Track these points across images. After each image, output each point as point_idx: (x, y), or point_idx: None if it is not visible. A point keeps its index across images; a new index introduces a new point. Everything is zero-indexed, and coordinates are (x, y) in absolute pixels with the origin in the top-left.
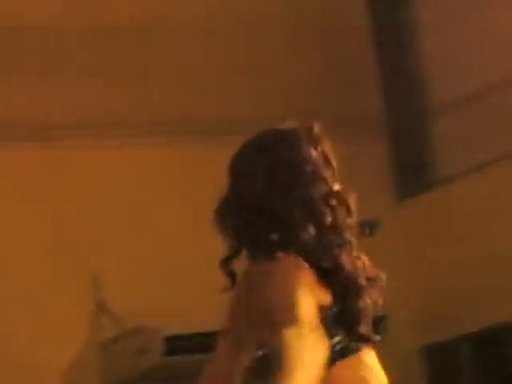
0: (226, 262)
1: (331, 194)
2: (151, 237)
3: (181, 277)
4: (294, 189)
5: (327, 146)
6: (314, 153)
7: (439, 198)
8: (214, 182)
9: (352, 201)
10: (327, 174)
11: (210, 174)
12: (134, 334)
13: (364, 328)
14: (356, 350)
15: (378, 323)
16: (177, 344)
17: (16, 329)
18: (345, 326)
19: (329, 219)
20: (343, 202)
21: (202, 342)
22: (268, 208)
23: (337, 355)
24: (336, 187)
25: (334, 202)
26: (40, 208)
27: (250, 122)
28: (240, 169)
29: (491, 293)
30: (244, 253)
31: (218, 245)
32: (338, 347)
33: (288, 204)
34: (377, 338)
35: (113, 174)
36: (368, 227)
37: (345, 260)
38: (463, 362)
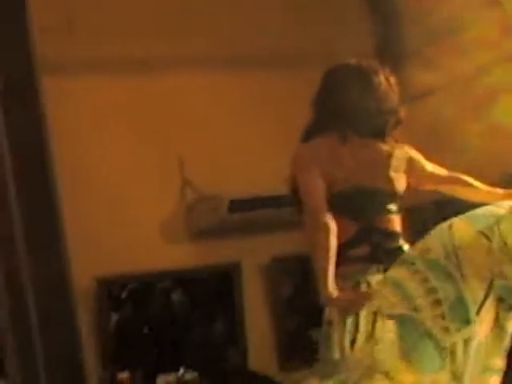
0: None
1: None
2: (227, 128)
3: (243, 156)
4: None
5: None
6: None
7: None
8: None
9: None
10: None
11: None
12: (208, 198)
13: None
14: None
15: None
16: (238, 205)
17: (129, 193)
18: None
19: None
20: None
21: (257, 204)
22: None
23: None
24: None
25: None
26: (141, 115)
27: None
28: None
29: None
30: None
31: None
32: None
33: None
34: None
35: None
36: None
37: None
38: None
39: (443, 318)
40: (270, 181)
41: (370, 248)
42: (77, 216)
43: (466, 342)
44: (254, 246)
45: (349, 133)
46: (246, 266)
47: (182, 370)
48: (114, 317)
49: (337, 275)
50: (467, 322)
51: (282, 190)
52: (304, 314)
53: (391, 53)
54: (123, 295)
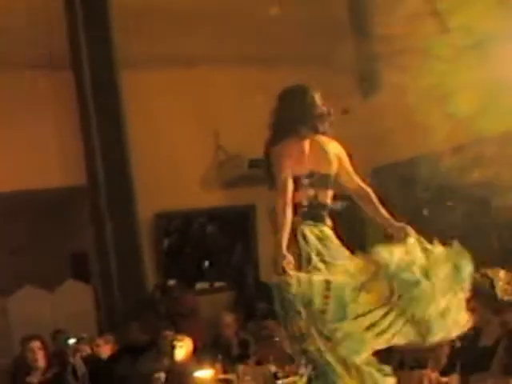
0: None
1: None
2: (249, 109)
3: (260, 128)
4: None
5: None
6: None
7: None
8: None
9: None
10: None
11: None
12: (234, 158)
13: None
14: None
15: None
16: (255, 163)
17: (179, 153)
18: None
19: None
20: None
21: None
22: None
23: None
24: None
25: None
26: (189, 98)
27: None
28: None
29: None
30: None
31: None
32: None
33: None
34: None
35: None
36: None
37: None
38: None
39: None
40: None
41: (307, 209)
42: (143, 168)
43: None
44: (265, 194)
45: (305, 133)
46: (259, 208)
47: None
48: (166, 242)
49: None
50: None
51: None
52: None
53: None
54: (172, 227)
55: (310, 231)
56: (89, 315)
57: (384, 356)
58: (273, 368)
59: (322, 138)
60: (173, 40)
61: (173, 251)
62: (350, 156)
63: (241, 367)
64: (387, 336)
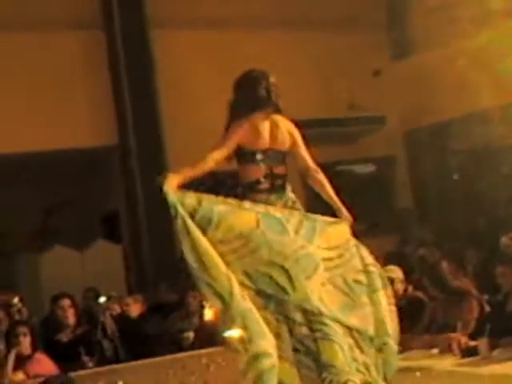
0: None
1: None
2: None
3: (288, 89)
4: None
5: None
6: None
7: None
8: None
9: None
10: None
11: None
12: None
13: None
14: None
15: None
16: None
17: (211, 111)
18: None
19: None
20: None
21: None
22: None
23: None
24: None
25: None
26: (221, 59)
27: None
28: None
29: None
30: None
31: None
32: None
33: None
34: None
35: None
36: None
37: None
38: None
39: None
40: (309, 108)
41: (269, 184)
42: (174, 129)
43: None
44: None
45: (267, 112)
46: (289, 169)
47: None
48: None
49: (251, 200)
50: None
51: (314, 115)
52: (326, 206)
53: None
54: (203, 187)
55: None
56: (118, 275)
57: (412, 320)
58: None
59: (278, 117)
60: (205, 1)
61: None
62: (303, 136)
63: None
64: None
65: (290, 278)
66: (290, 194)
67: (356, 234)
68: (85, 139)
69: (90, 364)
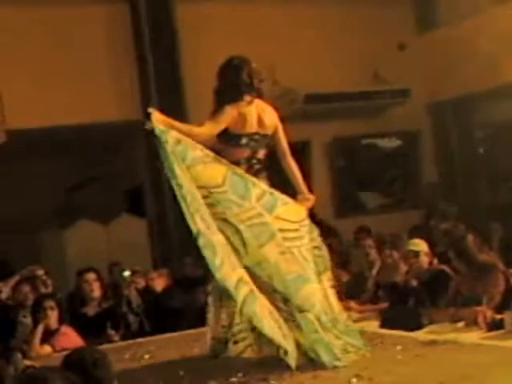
0: None
1: None
2: (306, 45)
3: (316, 64)
4: None
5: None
6: None
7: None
8: None
9: None
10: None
11: None
12: (290, 93)
13: None
14: None
15: None
16: (311, 98)
17: None
18: None
19: None
20: None
21: (324, 98)
22: None
23: None
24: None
25: None
26: (245, 33)
27: None
28: None
29: None
30: None
31: None
32: None
33: None
34: None
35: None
36: None
37: None
38: None
39: None
40: (333, 82)
41: (247, 166)
42: (198, 103)
43: None
44: (321, 129)
45: (251, 97)
46: (315, 143)
47: None
48: None
49: None
50: None
51: (339, 88)
52: (352, 179)
53: None
54: None
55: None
56: (143, 249)
57: (437, 293)
58: None
59: (262, 102)
60: None
61: None
62: (282, 120)
63: None
64: None
65: (243, 241)
66: (263, 182)
67: (382, 208)
68: (109, 114)
69: (116, 338)
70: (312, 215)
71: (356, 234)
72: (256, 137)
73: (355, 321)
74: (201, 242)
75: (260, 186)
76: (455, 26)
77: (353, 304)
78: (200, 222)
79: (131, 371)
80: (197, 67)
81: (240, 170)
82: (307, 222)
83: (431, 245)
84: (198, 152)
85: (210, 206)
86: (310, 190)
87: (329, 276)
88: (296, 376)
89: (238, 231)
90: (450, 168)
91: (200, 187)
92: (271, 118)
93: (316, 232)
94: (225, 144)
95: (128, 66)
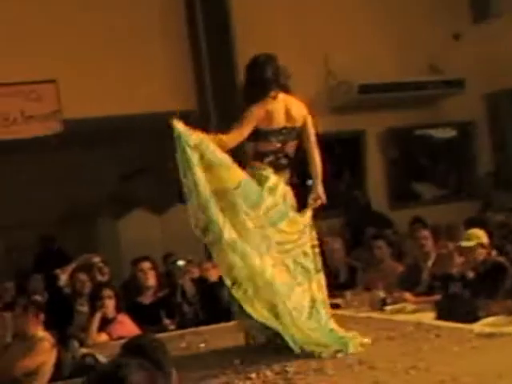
0: None
1: None
2: (361, 33)
3: (370, 53)
4: None
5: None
6: None
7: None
8: None
9: None
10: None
11: None
12: (344, 83)
13: None
14: None
15: None
16: (365, 89)
17: None
18: None
19: None
20: None
21: (378, 88)
22: None
23: None
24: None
25: None
26: (300, 20)
27: None
28: None
29: None
30: None
31: None
32: None
33: None
34: None
35: None
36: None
37: None
38: None
39: None
40: (388, 72)
41: (273, 159)
42: None
43: None
44: (375, 119)
45: (277, 93)
46: (369, 133)
47: None
48: None
49: (252, 167)
50: None
51: (393, 79)
52: (406, 170)
53: None
54: None
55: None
56: (197, 239)
57: (494, 285)
58: (381, 294)
59: (287, 96)
60: None
61: None
62: (312, 116)
63: (348, 293)
64: None
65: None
66: (283, 178)
67: (437, 199)
68: (163, 104)
69: (171, 327)
70: (315, 216)
71: (411, 225)
72: (284, 131)
73: (410, 312)
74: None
75: (276, 195)
76: (511, 14)
77: (408, 295)
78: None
79: (187, 360)
80: (251, 54)
81: (258, 177)
82: (309, 224)
83: (489, 236)
84: (217, 153)
85: (221, 209)
86: (363, 181)
87: (322, 276)
88: (353, 367)
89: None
90: (506, 158)
91: (214, 190)
92: (299, 111)
93: (314, 232)
94: (254, 141)
95: (182, 55)
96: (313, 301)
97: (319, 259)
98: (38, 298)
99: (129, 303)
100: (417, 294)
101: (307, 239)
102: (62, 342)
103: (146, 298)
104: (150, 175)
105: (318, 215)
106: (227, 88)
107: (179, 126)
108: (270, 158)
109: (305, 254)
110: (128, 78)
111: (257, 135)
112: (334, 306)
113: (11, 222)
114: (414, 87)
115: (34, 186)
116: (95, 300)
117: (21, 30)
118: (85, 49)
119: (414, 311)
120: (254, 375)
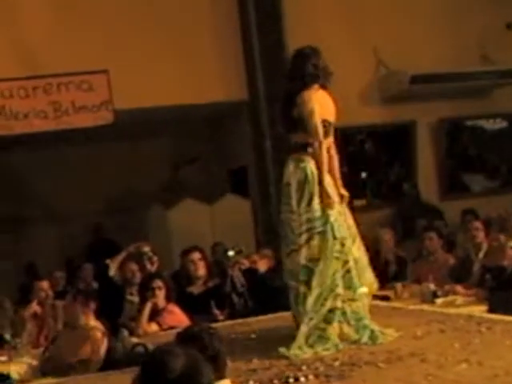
0: None
1: None
2: (410, 22)
3: (421, 42)
4: None
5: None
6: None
7: None
8: None
9: None
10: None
11: None
12: (396, 73)
13: None
14: None
15: None
16: (417, 79)
17: (338, 67)
18: None
19: None
20: None
21: (430, 79)
22: None
23: None
24: None
25: None
26: (350, 14)
27: None
28: None
29: None
30: None
31: None
32: None
33: None
34: None
35: None
36: None
37: None
38: None
39: None
40: (439, 62)
41: (312, 149)
42: None
43: None
44: (426, 110)
45: (324, 85)
46: (420, 124)
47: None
48: None
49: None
50: None
51: (445, 69)
52: (457, 161)
53: None
54: None
55: None
56: (247, 229)
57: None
58: (432, 286)
59: (325, 93)
60: None
61: None
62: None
63: (398, 284)
64: None
65: None
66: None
67: (488, 190)
68: (215, 94)
69: (221, 317)
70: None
71: (463, 216)
72: (326, 124)
73: (461, 305)
74: None
75: None
76: None
77: (459, 288)
78: None
79: (237, 351)
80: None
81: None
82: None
83: None
84: None
85: None
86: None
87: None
88: (405, 359)
89: None
90: None
91: None
92: (334, 109)
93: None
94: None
95: (233, 45)
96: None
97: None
98: (89, 287)
99: (179, 293)
100: (468, 287)
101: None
102: (113, 331)
103: (196, 288)
104: (200, 165)
105: (368, 206)
106: (278, 78)
107: None
108: (310, 149)
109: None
110: (179, 68)
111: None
112: (384, 298)
113: (63, 212)
114: (466, 78)
115: (86, 176)
116: (145, 290)
117: (73, 19)
118: (136, 39)
119: (465, 304)
120: (304, 367)
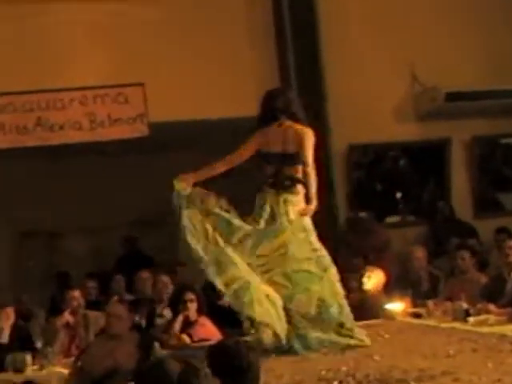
0: None
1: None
2: (447, 37)
3: (457, 59)
4: None
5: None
6: None
7: None
8: None
9: None
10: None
11: None
12: (431, 90)
13: None
14: None
15: None
16: (452, 96)
17: (371, 85)
18: None
19: None
20: None
21: (466, 96)
22: None
23: None
24: None
25: None
26: (385, 26)
27: None
28: None
29: None
30: None
31: None
32: None
33: None
34: None
35: None
36: None
37: None
38: None
39: None
40: (474, 80)
41: (273, 181)
42: (337, 99)
43: None
44: (460, 127)
45: (283, 121)
46: (455, 141)
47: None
48: (357, 174)
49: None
50: None
51: (480, 87)
52: (490, 179)
53: None
54: (364, 159)
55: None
56: None
57: None
58: (464, 305)
59: (292, 125)
60: None
61: (364, 184)
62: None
63: (430, 302)
64: None
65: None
66: (293, 197)
67: None
68: (249, 108)
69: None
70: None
71: (496, 235)
72: (280, 156)
73: (494, 324)
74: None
75: (244, 228)
76: None
77: (491, 307)
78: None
79: (268, 364)
80: (337, 59)
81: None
82: (306, 229)
83: None
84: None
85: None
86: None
87: (333, 272)
88: (436, 379)
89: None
90: None
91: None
92: (296, 139)
93: (314, 236)
94: (256, 162)
95: (269, 63)
96: (321, 300)
97: (323, 260)
98: (124, 298)
99: (209, 306)
100: (501, 306)
101: (301, 245)
102: (143, 343)
103: (227, 302)
104: (230, 180)
105: (401, 223)
106: (312, 93)
107: (177, 184)
108: (271, 181)
109: (300, 260)
110: (214, 82)
111: (257, 156)
112: (416, 316)
113: (95, 224)
114: (501, 95)
115: (118, 188)
116: (177, 303)
117: (109, 33)
118: (171, 52)
119: (498, 323)
120: (335, 382)
